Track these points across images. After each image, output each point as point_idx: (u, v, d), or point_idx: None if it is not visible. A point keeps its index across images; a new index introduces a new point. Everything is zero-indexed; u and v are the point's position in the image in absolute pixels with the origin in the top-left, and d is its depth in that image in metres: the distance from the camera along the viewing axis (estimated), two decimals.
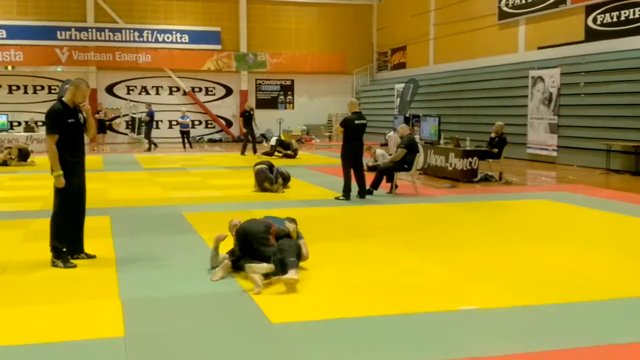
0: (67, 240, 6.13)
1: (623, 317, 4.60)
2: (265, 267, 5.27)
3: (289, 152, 18.68)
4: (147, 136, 23.41)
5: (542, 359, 3.77)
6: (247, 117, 20.29)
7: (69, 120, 5.98)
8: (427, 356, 3.80)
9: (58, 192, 6.05)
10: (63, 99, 6.08)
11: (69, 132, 5.99)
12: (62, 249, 6.07)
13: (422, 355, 3.81)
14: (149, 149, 22.84)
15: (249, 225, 5.80)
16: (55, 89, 27.02)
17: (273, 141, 19.30)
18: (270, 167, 11.62)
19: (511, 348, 3.93)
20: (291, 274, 5.13)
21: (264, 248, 5.53)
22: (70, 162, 6.00)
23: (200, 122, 29.08)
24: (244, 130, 20.68)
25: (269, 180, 11.27)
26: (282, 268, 5.22)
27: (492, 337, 4.13)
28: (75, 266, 5.98)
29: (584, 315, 4.61)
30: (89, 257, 6.26)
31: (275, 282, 5.08)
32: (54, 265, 5.99)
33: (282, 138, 19.68)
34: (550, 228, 8.04)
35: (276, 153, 18.74)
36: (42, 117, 23.78)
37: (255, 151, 19.91)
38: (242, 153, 20.18)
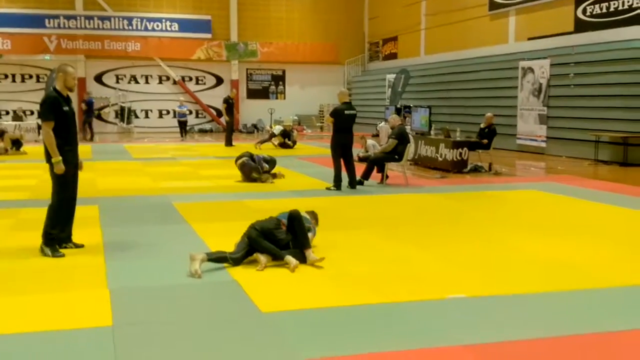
0: (60, 229, 6.13)
1: (610, 305, 4.64)
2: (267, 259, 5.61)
3: (289, 142, 18.67)
4: (84, 125, 23.01)
5: (530, 347, 3.81)
6: (230, 105, 19.57)
7: (64, 108, 5.98)
8: (415, 344, 3.83)
9: (57, 181, 6.05)
10: (56, 87, 6.07)
11: (64, 120, 5.98)
12: (54, 237, 6.06)
13: (411, 343, 3.83)
14: (85, 138, 22.55)
15: (262, 223, 5.90)
16: (43, 78, 26.83)
17: (277, 130, 18.96)
18: (251, 156, 11.59)
19: (499, 336, 3.97)
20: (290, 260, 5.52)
21: (278, 238, 5.73)
22: (67, 150, 6.00)
23: (191, 112, 28.95)
24: (227, 119, 19.70)
25: (256, 170, 11.28)
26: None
27: (479, 325, 4.16)
28: (63, 255, 5.97)
29: (572, 304, 4.65)
30: (77, 246, 6.25)
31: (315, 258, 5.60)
32: (42, 253, 5.98)
33: (286, 128, 19.36)
34: (538, 218, 8.09)
35: (272, 140, 18.68)
36: (31, 106, 23.74)
37: (230, 143, 19.40)
38: (230, 144, 19.44)
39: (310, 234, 6.00)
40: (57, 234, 6.10)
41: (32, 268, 5.58)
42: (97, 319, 4.24)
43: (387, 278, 5.25)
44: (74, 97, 27.63)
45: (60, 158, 5.91)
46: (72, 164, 6.09)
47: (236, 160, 11.62)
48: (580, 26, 17.05)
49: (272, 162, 11.79)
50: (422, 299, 4.71)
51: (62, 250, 6.07)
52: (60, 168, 5.93)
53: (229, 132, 19.82)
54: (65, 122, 5.99)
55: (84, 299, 4.68)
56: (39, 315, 4.35)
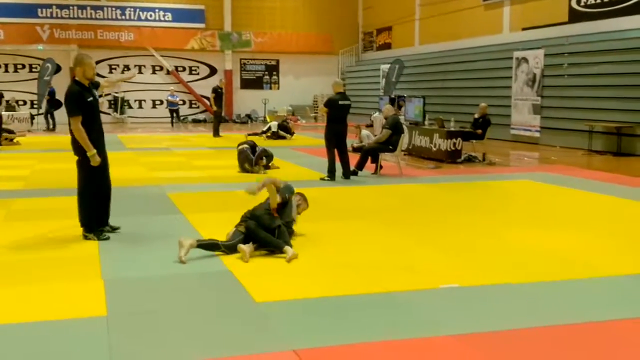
0: (95, 214, 6.24)
1: (604, 294, 4.68)
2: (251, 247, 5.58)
3: (287, 135, 18.53)
4: (46, 115, 22.89)
5: (522, 336, 3.83)
6: (219, 94, 19.21)
7: (88, 99, 6.06)
8: (408, 333, 3.85)
9: (82, 169, 6.13)
10: (76, 78, 6.15)
11: (89, 110, 6.06)
12: (92, 224, 6.18)
13: (404, 333, 3.85)
14: (48, 128, 22.39)
15: (252, 211, 5.95)
16: (36, 68, 26.62)
17: (274, 127, 18.66)
18: (253, 147, 11.61)
19: (491, 325, 3.99)
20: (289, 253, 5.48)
21: (267, 223, 5.75)
22: (92, 138, 6.07)
23: (184, 102, 28.85)
24: (214, 109, 19.33)
25: (249, 161, 11.29)
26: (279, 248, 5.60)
27: (472, 315, 4.18)
28: (108, 238, 6.10)
29: (564, 293, 4.68)
30: (114, 229, 6.38)
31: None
32: (86, 238, 6.10)
33: (285, 124, 19.13)
34: (531, 208, 8.13)
35: (263, 135, 18.42)
36: (24, 96, 23.55)
37: (218, 134, 19.15)
38: (218, 134, 19.24)
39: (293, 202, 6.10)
40: (94, 223, 6.21)
41: (25, 259, 5.57)
42: (91, 309, 4.24)
43: (381, 268, 5.27)
44: (66, 85, 27.53)
45: (95, 151, 6.01)
46: (100, 151, 6.19)
47: (238, 146, 11.70)
48: (575, 16, 17.04)
49: (270, 157, 11.77)
50: (415, 288, 4.73)
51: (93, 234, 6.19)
52: (96, 160, 6.03)
53: (217, 123, 19.58)
54: (91, 112, 6.09)
55: (78, 289, 4.67)
56: (33, 305, 4.34)
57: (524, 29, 19.09)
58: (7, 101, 24.31)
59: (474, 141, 13.71)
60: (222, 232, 5.91)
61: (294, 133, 19.02)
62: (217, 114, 19.60)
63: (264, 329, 3.96)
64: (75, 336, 3.82)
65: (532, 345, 3.70)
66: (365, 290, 4.67)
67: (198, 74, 29.42)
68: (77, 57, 6.22)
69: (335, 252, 5.74)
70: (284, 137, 18.49)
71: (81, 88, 6.06)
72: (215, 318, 4.14)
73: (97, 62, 28.09)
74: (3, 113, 21.69)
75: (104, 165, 6.30)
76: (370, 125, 18.27)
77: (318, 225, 6.62)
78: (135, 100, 28.80)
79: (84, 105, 6.00)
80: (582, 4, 16.79)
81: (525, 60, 17.56)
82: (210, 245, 5.56)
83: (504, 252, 5.79)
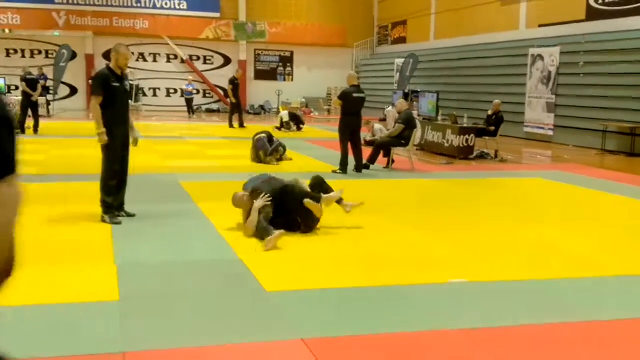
0: (113, 196, 6.45)
1: (611, 294, 4.68)
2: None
3: (295, 127, 18.44)
4: (46, 102, 22.61)
5: (529, 332, 3.86)
6: (236, 86, 19.01)
7: (114, 84, 6.32)
8: (416, 326, 3.88)
9: (104, 153, 6.38)
10: (110, 65, 6.46)
11: (113, 95, 6.31)
12: (111, 204, 6.39)
13: (411, 326, 3.89)
14: (49, 115, 22.33)
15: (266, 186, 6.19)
16: (52, 54, 26.78)
17: (285, 116, 18.47)
18: (270, 137, 11.68)
19: (498, 321, 4.02)
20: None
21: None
22: (114, 125, 6.31)
23: (199, 92, 28.90)
24: (233, 101, 19.00)
25: (265, 151, 11.34)
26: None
27: (478, 310, 4.21)
28: (120, 223, 6.27)
29: (572, 291, 4.69)
30: (129, 215, 6.55)
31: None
32: (102, 220, 6.30)
33: (296, 113, 19.05)
34: (543, 206, 8.12)
35: (283, 130, 17.94)
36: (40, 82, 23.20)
37: (242, 124, 18.99)
38: (231, 125, 19.02)
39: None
40: (112, 202, 6.42)
41: (38, 242, 5.64)
42: (104, 294, 4.31)
43: (390, 261, 5.30)
44: (82, 72, 27.31)
45: (104, 130, 6.25)
46: (119, 139, 6.40)
47: (255, 135, 11.79)
48: (592, 14, 16.89)
49: (284, 149, 11.84)
50: (424, 282, 4.76)
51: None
52: (103, 139, 6.26)
53: (233, 114, 19.24)
54: (114, 96, 6.33)
55: (91, 274, 4.75)
56: (46, 288, 4.42)
57: (540, 26, 18.94)
58: (47, 87, 23.80)
59: (487, 138, 13.68)
60: (234, 220, 5.96)
61: (304, 122, 18.97)
62: (234, 105, 19.26)
63: (273, 317, 4.01)
64: (87, 321, 3.89)
65: (538, 342, 3.72)
66: (373, 283, 4.70)
67: (212, 63, 29.45)
68: (116, 45, 6.52)
69: (345, 245, 5.78)
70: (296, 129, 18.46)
71: (110, 73, 6.36)
72: (226, 306, 4.19)
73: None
74: (19, 98, 21.84)
75: (124, 152, 6.52)
76: (383, 120, 18.22)
77: (329, 218, 6.65)
78: (150, 89, 28.90)
79: (107, 89, 6.27)
80: (600, 1, 16.64)
81: (541, 57, 17.44)
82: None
83: (514, 249, 5.81)
